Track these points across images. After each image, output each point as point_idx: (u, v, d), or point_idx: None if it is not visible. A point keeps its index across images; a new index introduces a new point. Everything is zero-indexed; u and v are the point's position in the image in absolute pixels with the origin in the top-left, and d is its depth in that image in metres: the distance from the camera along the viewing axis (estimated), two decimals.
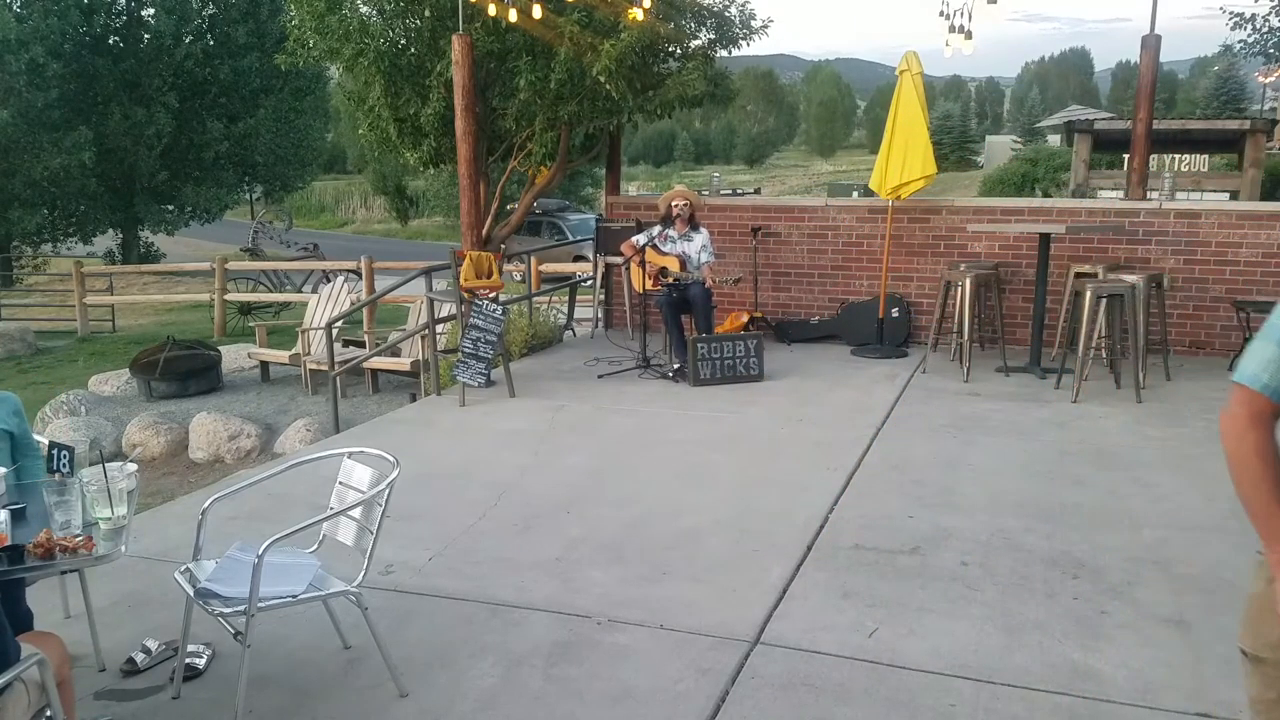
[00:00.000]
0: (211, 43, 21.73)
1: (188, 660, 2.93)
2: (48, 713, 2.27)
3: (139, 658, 3.00)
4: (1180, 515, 4.11)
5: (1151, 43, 7.12)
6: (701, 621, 3.21)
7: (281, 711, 2.76)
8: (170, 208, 22.58)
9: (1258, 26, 16.84)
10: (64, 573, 3.05)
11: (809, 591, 3.44)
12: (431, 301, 6.88)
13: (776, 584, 3.48)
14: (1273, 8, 16.67)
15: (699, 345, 6.52)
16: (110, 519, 2.67)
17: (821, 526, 4.02)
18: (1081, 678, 2.84)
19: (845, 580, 3.51)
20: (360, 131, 8.95)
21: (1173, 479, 4.57)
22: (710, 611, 3.28)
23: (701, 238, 6.94)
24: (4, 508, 2.75)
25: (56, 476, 3.04)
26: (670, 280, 6.79)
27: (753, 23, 8.53)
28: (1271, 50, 17.32)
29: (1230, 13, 16.99)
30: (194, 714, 2.77)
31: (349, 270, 12.69)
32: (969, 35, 7.34)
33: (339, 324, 8.91)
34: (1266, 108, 37.45)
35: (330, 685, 2.89)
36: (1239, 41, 17.57)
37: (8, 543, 2.52)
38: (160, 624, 3.22)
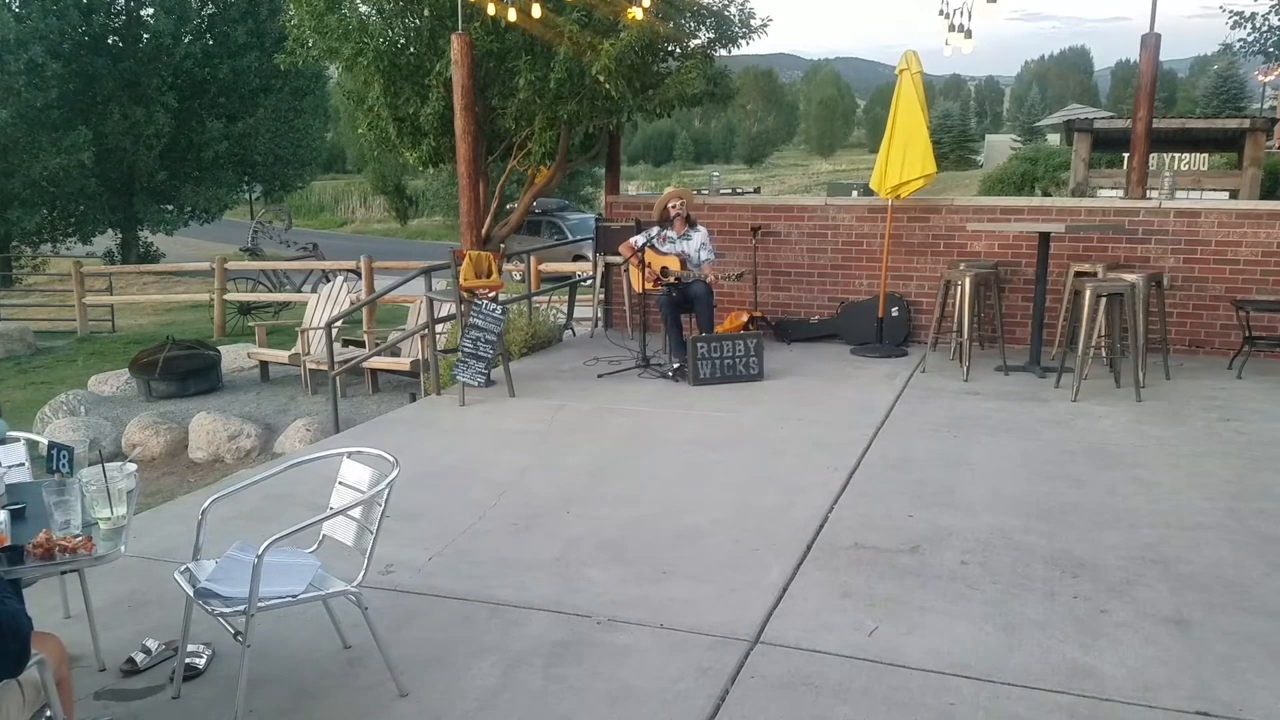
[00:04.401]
0: (211, 42, 21.72)
1: (188, 660, 2.93)
2: (47, 713, 2.27)
3: (139, 657, 3.00)
4: (1180, 514, 4.11)
5: (1151, 41, 7.12)
6: (701, 621, 3.21)
7: (281, 711, 2.76)
8: (169, 207, 22.57)
9: (1257, 25, 16.84)
10: (64, 573, 3.05)
11: (809, 591, 3.44)
12: (431, 301, 6.88)
13: (776, 583, 3.48)
14: (1272, 7, 16.67)
15: (698, 345, 6.52)
16: (110, 519, 2.67)
17: (821, 526, 4.02)
18: (1081, 676, 2.84)
19: (845, 579, 3.51)
20: (360, 131, 8.95)
21: (1172, 478, 4.57)
22: (710, 611, 3.28)
23: (700, 236, 6.94)
24: (3, 508, 2.76)
25: (56, 476, 3.05)
26: (671, 280, 6.79)
27: (752, 22, 8.54)
28: (1271, 49, 17.30)
29: (1230, 12, 17.00)
30: (194, 714, 2.77)
31: (348, 270, 12.69)
32: (969, 34, 7.33)
33: (339, 324, 8.91)
34: (1266, 106, 37.45)
35: (330, 685, 2.89)
36: (1238, 40, 17.56)
37: (7, 543, 2.53)
38: (160, 624, 3.22)
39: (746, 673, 2.90)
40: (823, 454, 4.98)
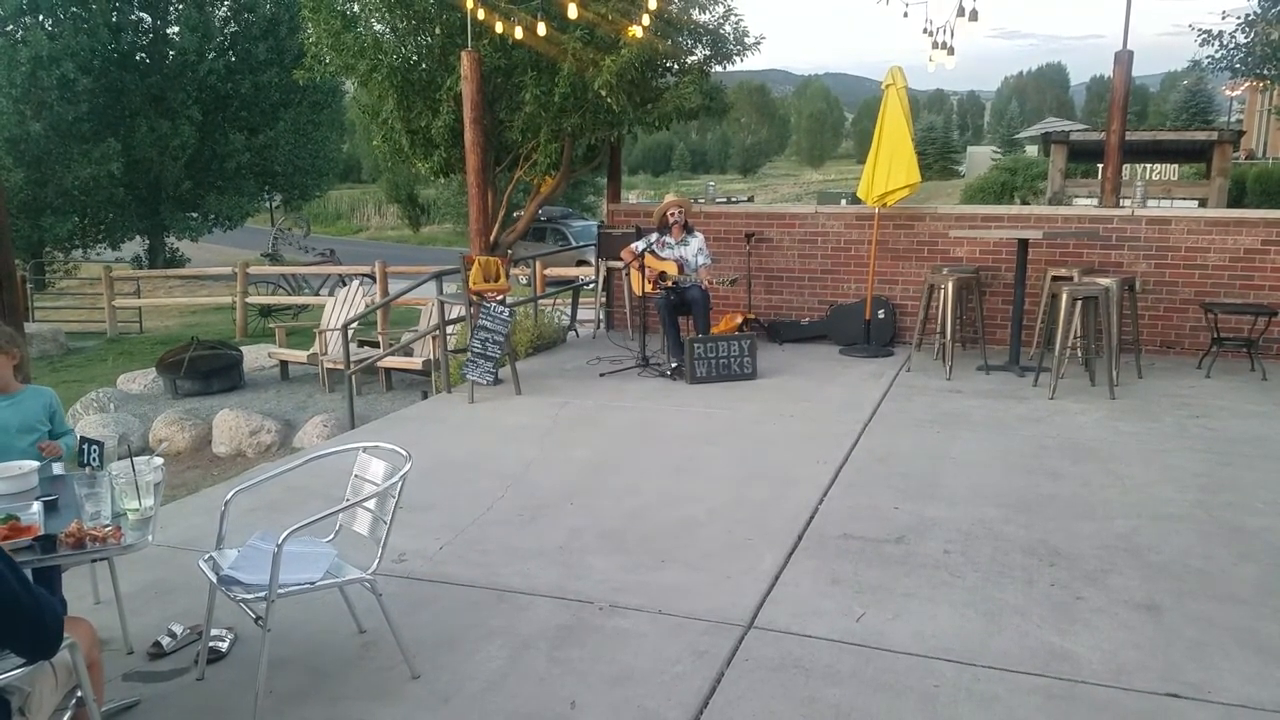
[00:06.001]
0: (233, 59, 21.68)
1: (211, 644, 2.93)
2: (78, 693, 2.27)
3: (165, 641, 3.00)
4: (1151, 505, 4.11)
5: (1124, 58, 7.12)
6: (698, 607, 3.21)
7: (300, 692, 2.75)
8: (194, 215, 22.52)
9: (1224, 43, 16.79)
10: (94, 561, 3.05)
11: (799, 578, 3.43)
12: (442, 304, 6.87)
13: (769, 571, 3.48)
14: (1238, 25, 16.63)
15: (695, 345, 6.51)
16: (138, 510, 2.67)
17: (811, 517, 4.02)
18: (1058, 660, 2.84)
19: (834, 568, 3.51)
20: (374, 143, 8.95)
21: (1144, 471, 4.57)
22: (706, 597, 3.28)
23: (697, 242, 6.93)
24: (37, 499, 2.76)
25: (87, 470, 3.05)
26: (669, 284, 6.79)
27: (746, 39, 8.54)
28: (1238, 66, 17.28)
29: (1199, 30, 16.96)
30: (218, 694, 2.77)
31: (363, 274, 12.68)
32: (951, 51, 7.32)
33: (354, 325, 8.90)
34: (1233, 119, 37.43)
35: (346, 667, 2.89)
36: (1206, 57, 17.52)
37: (40, 533, 2.53)
38: (185, 609, 3.22)
39: (741, 656, 2.90)
40: (813, 448, 4.97)
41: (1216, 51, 17.04)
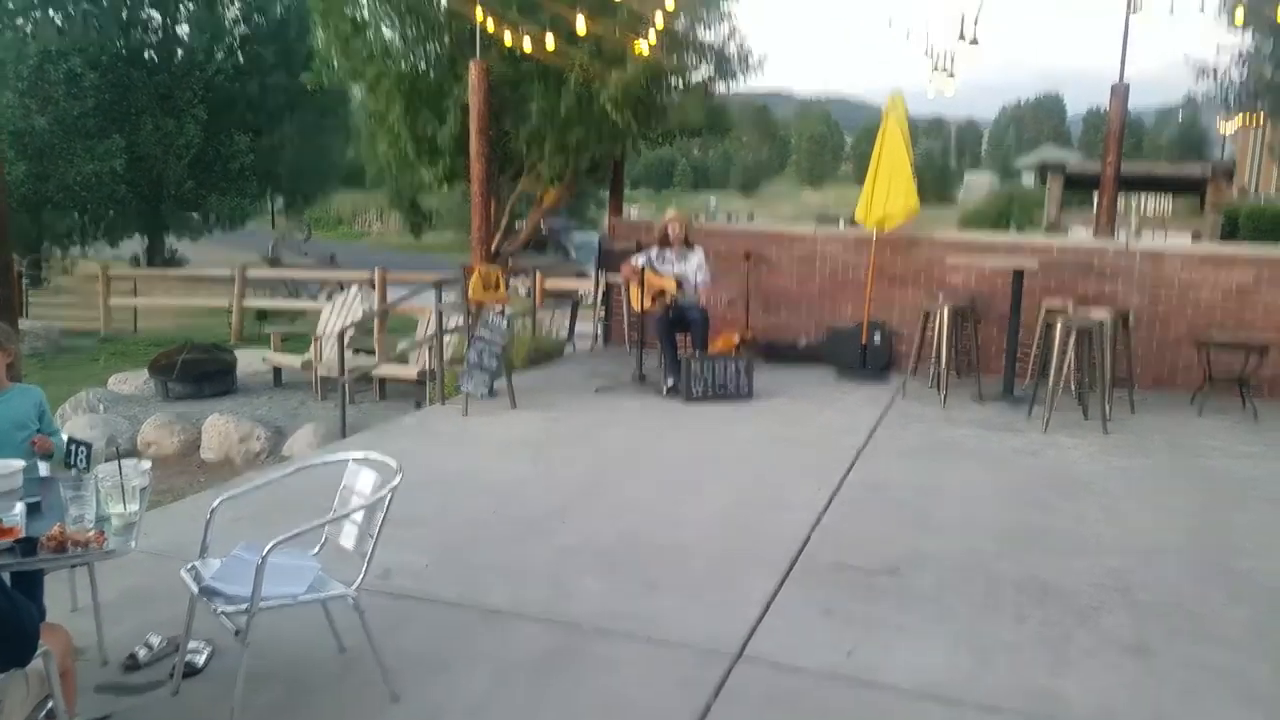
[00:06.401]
0: (241, 60, 21.70)
1: (187, 658, 2.86)
2: (49, 704, 2.20)
3: (141, 653, 2.93)
4: (1143, 543, 4.07)
5: (1120, 91, 7.15)
6: (687, 634, 3.15)
7: (276, 709, 2.69)
8: (195, 215, 22.47)
9: (1219, 78, 17.00)
10: (74, 566, 2.98)
11: (791, 608, 3.38)
12: (440, 313, 6.83)
13: (760, 600, 3.43)
14: (1233, 61, 16.84)
15: (692, 363, 6.47)
16: (122, 515, 2.61)
17: (804, 544, 3.96)
18: (1048, 700, 2.79)
19: (825, 598, 3.46)
20: (380, 149, 8.92)
21: (1137, 507, 4.53)
22: (696, 625, 3.22)
23: (697, 257, 6.90)
24: (20, 500, 2.70)
25: (74, 472, 2.99)
26: (668, 301, 6.76)
27: (749, 60, 8.58)
28: (1232, 101, 17.48)
29: (1194, 65, 17.18)
30: (192, 710, 2.70)
31: (363, 281, 12.61)
32: (951, 74, 7.34)
33: (350, 332, 8.84)
34: (1227, 154, 37.70)
35: (326, 686, 2.82)
36: (1201, 93, 17.73)
37: (22, 535, 2.47)
38: (164, 619, 3.14)
39: (729, 687, 2.84)
40: (807, 474, 4.92)
41: (1211, 87, 17.23)
